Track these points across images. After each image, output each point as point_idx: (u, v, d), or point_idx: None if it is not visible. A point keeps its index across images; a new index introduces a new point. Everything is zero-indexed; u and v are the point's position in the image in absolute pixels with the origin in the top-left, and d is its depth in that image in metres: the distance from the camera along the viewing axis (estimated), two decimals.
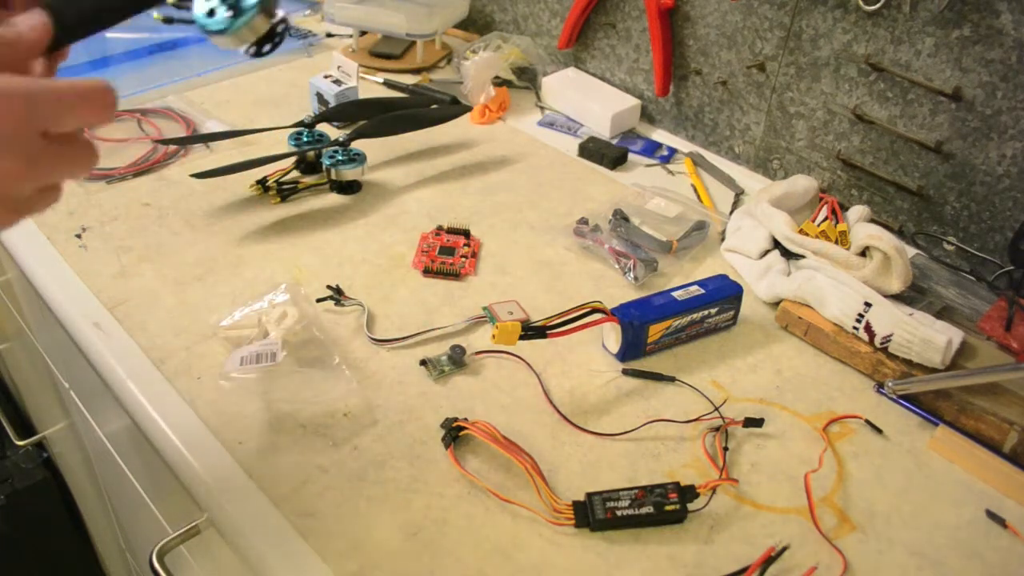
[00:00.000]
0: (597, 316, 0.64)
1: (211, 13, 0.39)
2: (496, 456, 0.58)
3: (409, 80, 1.12)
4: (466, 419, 0.59)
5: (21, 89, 0.36)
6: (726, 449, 0.60)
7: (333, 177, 0.85)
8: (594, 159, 0.97)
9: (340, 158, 0.85)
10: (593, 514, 0.53)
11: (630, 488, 0.55)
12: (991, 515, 0.57)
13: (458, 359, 0.66)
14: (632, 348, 0.67)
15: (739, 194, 0.93)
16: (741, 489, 0.58)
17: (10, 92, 0.35)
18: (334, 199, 0.86)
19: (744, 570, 0.52)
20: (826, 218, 0.78)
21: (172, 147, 0.90)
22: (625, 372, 0.67)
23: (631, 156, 0.99)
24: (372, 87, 1.09)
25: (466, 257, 0.78)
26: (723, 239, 0.82)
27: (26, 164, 0.36)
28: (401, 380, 0.64)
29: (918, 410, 0.65)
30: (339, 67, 0.99)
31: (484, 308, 0.70)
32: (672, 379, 0.66)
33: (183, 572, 0.75)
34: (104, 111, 0.38)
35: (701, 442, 0.61)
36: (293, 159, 0.87)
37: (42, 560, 1.48)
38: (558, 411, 0.62)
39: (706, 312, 0.69)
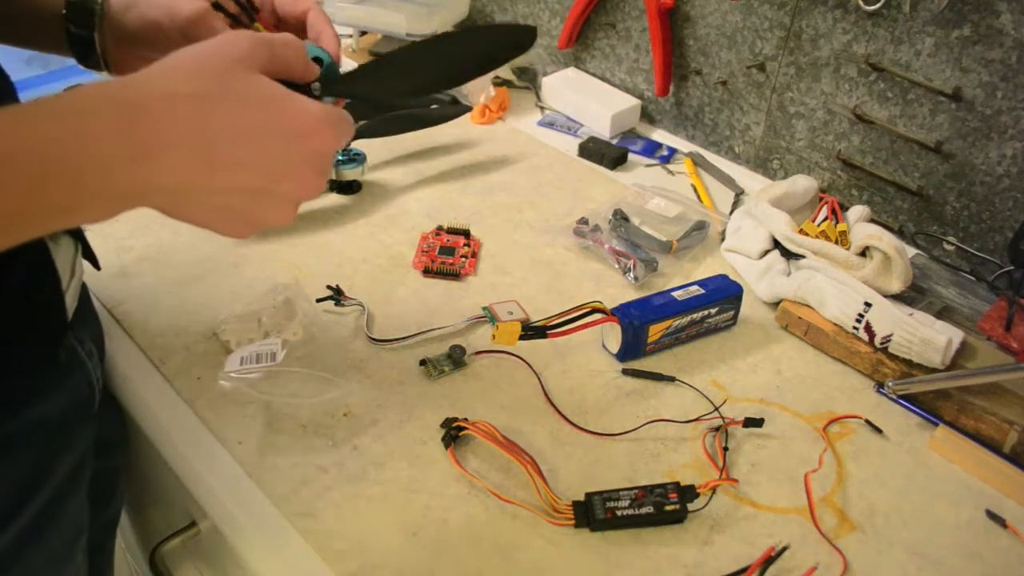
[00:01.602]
0: (597, 316, 0.64)
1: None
2: (496, 456, 0.58)
3: None
4: (466, 419, 0.59)
5: (348, 121, 0.46)
6: (726, 449, 0.60)
7: (333, 177, 0.85)
8: (594, 159, 0.97)
9: (340, 158, 0.85)
10: (593, 514, 0.53)
11: (630, 488, 0.55)
12: (991, 515, 0.57)
13: (458, 359, 0.66)
14: (632, 348, 0.67)
15: (739, 194, 0.93)
16: (741, 489, 0.58)
17: (345, 124, 0.46)
18: (334, 199, 0.86)
19: (744, 570, 0.52)
20: (826, 218, 0.78)
21: None
22: (625, 372, 0.67)
23: (631, 156, 0.99)
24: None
25: (466, 257, 0.78)
26: (723, 239, 0.82)
27: (325, 180, 0.46)
28: (401, 380, 0.64)
29: (918, 410, 0.65)
30: None
31: (484, 308, 0.70)
32: (672, 379, 0.66)
33: (183, 572, 0.75)
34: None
35: (701, 442, 0.61)
36: None
37: None
38: (558, 411, 0.62)
39: (706, 312, 0.69)
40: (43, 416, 0.52)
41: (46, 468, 0.53)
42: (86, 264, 0.63)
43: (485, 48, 0.57)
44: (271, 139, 0.42)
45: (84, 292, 0.60)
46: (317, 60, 0.51)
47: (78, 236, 0.56)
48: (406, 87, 0.56)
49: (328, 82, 0.50)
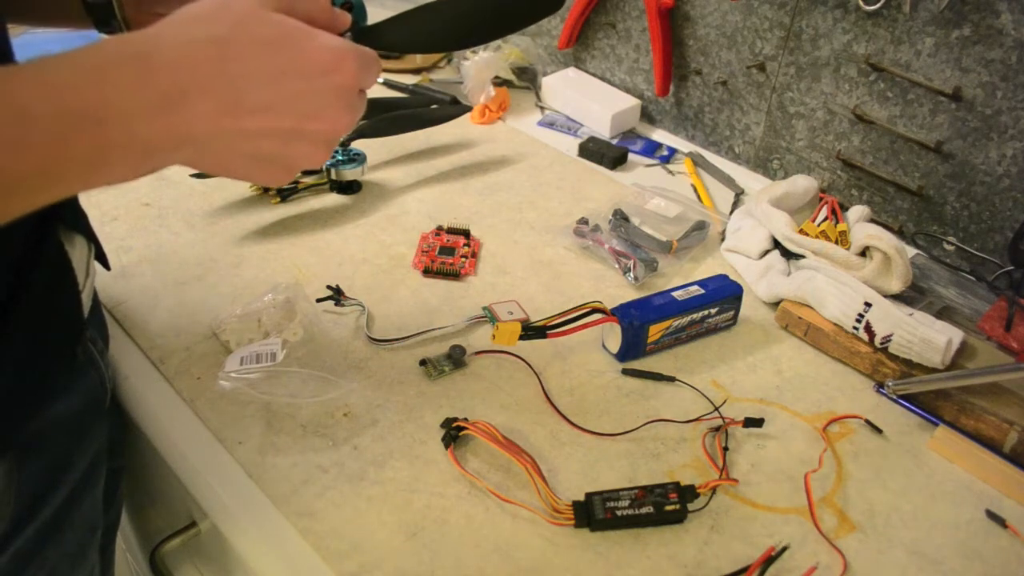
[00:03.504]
0: (597, 316, 0.64)
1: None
2: (496, 456, 0.58)
3: (409, 80, 1.12)
4: (466, 419, 0.59)
5: (372, 56, 0.46)
6: (726, 449, 0.60)
7: (333, 177, 0.85)
8: (594, 159, 0.97)
9: (340, 158, 0.85)
10: (593, 514, 0.53)
11: (630, 488, 0.55)
12: (991, 515, 0.57)
13: (458, 359, 0.66)
14: (632, 348, 0.67)
15: (739, 194, 0.93)
16: (741, 489, 0.58)
17: (370, 59, 0.45)
18: (334, 199, 0.86)
19: (744, 570, 0.52)
20: (826, 218, 0.78)
21: None
22: (625, 372, 0.67)
23: (631, 156, 0.99)
24: (372, 87, 1.09)
25: (466, 257, 0.78)
26: (723, 239, 0.82)
27: (353, 113, 0.45)
28: (401, 380, 0.64)
29: (918, 410, 0.65)
30: None
31: (484, 308, 0.70)
32: (672, 379, 0.66)
33: (183, 572, 0.75)
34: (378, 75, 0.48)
35: (701, 442, 0.61)
36: None
37: None
38: (558, 411, 0.62)
39: (706, 312, 0.69)
40: (62, 415, 0.53)
41: (64, 466, 0.54)
42: None
43: (514, 7, 0.56)
44: (295, 79, 0.41)
45: (94, 292, 0.60)
46: (346, 5, 0.50)
47: (91, 237, 0.56)
48: (435, 40, 0.55)
49: (358, 34, 0.49)
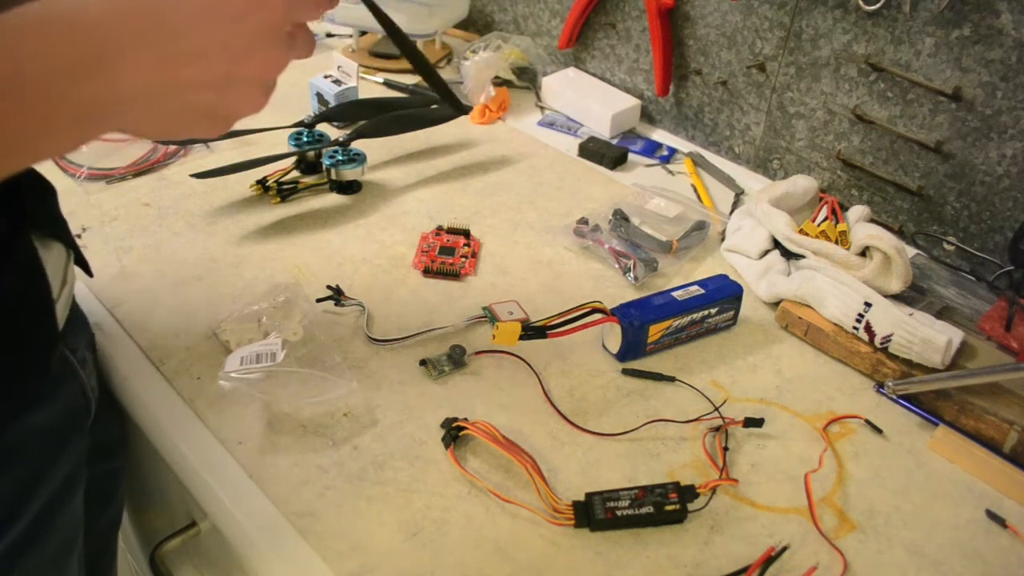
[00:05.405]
0: (597, 316, 0.64)
1: None
2: (496, 456, 0.58)
3: (409, 80, 1.12)
4: (466, 419, 0.59)
5: None
6: (726, 449, 0.60)
7: (333, 177, 0.85)
8: (594, 159, 0.97)
9: (340, 158, 0.85)
10: (593, 514, 0.53)
11: (630, 488, 0.55)
12: (991, 515, 0.57)
13: (458, 359, 0.66)
14: (632, 348, 0.67)
15: (739, 194, 0.93)
16: (741, 489, 0.58)
17: None
18: (334, 199, 0.86)
19: (744, 570, 0.52)
20: (826, 218, 0.78)
21: (172, 147, 0.90)
22: (625, 372, 0.67)
23: (631, 156, 0.99)
24: (372, 87, 1.09)
25: (466, 257, 0.78)
26: (723, 239, 0.82)
27: (286, 51, 0.44)
28: (401, 380, 0.64)
29: (918, 410, 0.65)
30: (339, 67, 0.99)
31: (484, 308, 0.70)
32: (672, 379, 0.66)
33: (183, 572, 0.75)
34: (322, 8, 0.46)
35: (701, 442, 0.61)
36: (293, 159, 0.87)
37: None
38: (558, 411, 0.62)
39: (706, 312, 0.69)
40: (36, 426, 0.52)
41: (39, 478, 0.52)
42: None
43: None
44: (221, 19, 0.40)
45: (73, 299, 0.59)
46: None
47: (70, 244, 0.55)
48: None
49: None
